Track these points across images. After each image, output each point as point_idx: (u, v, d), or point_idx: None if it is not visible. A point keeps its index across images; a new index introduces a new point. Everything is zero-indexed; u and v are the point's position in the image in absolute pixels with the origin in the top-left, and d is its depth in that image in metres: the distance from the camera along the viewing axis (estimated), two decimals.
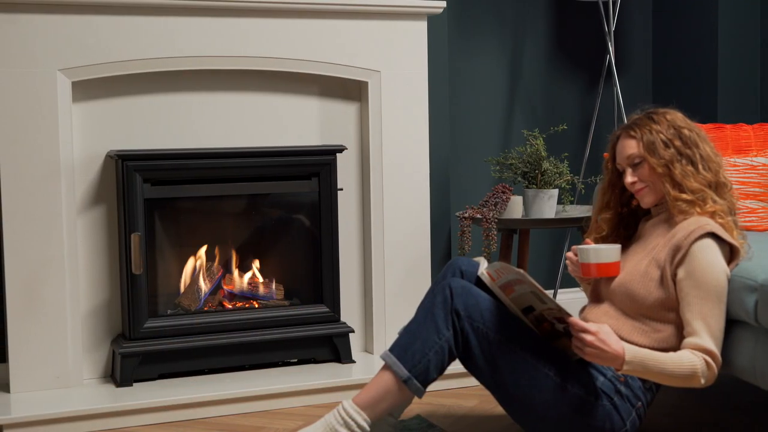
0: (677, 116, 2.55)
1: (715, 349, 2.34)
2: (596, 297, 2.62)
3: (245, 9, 3.19)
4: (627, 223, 2.67)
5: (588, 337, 2.24)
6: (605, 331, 2.27)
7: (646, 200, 2.56)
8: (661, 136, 2.50)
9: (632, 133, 2.53)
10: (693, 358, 2.31)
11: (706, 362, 2.32)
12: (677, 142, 2.49)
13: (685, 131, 2.51)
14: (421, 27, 3.42)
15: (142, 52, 3.08)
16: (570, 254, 2.61)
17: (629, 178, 2.54)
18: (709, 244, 2.39)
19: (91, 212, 3.14)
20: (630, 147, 2.53)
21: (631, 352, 2.28)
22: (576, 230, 4.07)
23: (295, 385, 3.08)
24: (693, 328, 2.36)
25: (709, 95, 4.12)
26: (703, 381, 2.32)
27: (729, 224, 2.46)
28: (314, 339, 3.30)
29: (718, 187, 2.50)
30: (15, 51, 2.95)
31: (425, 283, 3.46)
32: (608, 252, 2.50)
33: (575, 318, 2.29)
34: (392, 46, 3.39)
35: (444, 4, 3.45)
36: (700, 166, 2.49)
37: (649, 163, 2.50)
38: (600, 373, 2.43)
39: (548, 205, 3.52)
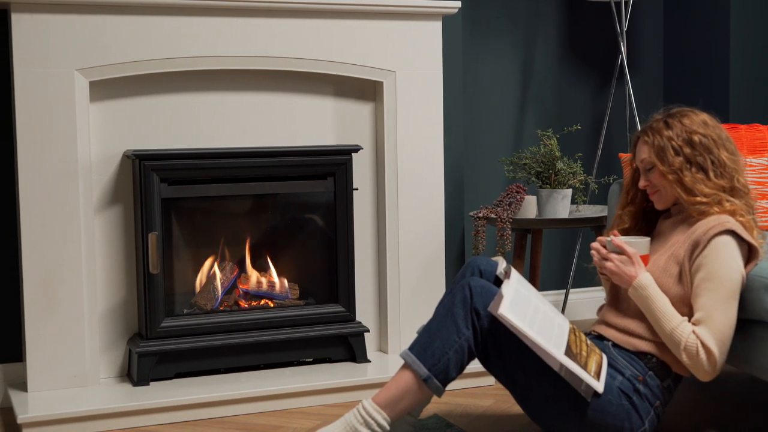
0: (695, 119, 2.53)
1: (710, 343, 2.34)
2: (616, 293, 2.62)
3: (261, 9, 3.19)
4: (649, 218, 2.69)
5: (609, 264, 2.47)
6: (624, 260, 2.45)
7: (658, 204, 2.58)
8: (672, 142, 2.49)
9: (646, 138, 2.55)
10: (689, 337, 2.36)
11: (696, 348, 2.34)
12: (687, 150, 2.49)
13: (697, 137, 2.49)
14: (436, 27, 3.42)
15: (159, 52, 3.09)
16: (596, 245, 2.55)
17: (642, 182, 2.57)
18: (728, 241, 2.40)
19: (108, 212, 3.15)
20: (643, 152, 2.56)
21: (642, 282, 2.41)
22: (589, 230, 4.07)
23: (310, 384, 3.08)
24: (696, 318, 2.38)
25: (720, 95, 4.12)
26: (684, 357, 2.36)
27: (750, 223, 2.46)
28: (329, 338, 3.30)
29: (734, 191, 2.50)
30: (33, 51, 2.95)
31: (440, 283, 3.46)
32: (638, 245, 2.50)
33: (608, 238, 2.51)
34: (407, 47, 3.39)
35: (459, 4, 3.45)
36: (711, 173, 2.48)
37: (659, 170, 2.51)
38: (618, 373, 2.44)
39: (562, 205, 3.52)
